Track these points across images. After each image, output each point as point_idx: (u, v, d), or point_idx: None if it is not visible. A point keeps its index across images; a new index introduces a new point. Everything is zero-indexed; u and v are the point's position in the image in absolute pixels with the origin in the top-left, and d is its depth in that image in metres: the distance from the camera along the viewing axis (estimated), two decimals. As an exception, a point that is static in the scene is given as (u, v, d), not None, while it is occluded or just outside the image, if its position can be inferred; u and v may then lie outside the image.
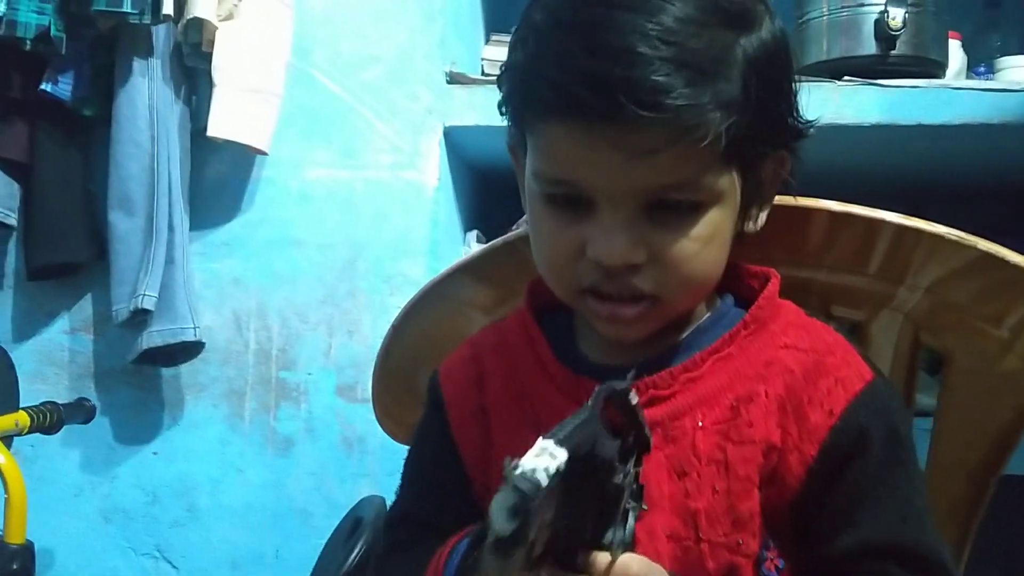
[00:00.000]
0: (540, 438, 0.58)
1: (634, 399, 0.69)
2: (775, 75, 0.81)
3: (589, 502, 0.65)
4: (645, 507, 0.71)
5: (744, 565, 0.82)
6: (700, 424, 0.82)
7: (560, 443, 0.58)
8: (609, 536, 0.67)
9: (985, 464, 0.99)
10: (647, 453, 0.71)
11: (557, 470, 0.57)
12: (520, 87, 0.81)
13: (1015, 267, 0.91)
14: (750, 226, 0.86)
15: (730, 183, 0.80)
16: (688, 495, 0.82)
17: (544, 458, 0.57)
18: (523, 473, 0.56)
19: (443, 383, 0.95)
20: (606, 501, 0.67)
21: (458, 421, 0.93)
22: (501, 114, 0.86)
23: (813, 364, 0.83)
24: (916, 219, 0.94)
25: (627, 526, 0.68)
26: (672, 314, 0.84)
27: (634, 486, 0.69)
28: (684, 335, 0.88)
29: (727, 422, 0.82)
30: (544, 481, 0.56)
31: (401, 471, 0.98)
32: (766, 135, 0.81)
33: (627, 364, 0.83)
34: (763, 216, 0.87)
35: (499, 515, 0.55)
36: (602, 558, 0.67)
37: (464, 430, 0.92)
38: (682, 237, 0.78)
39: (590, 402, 0.65)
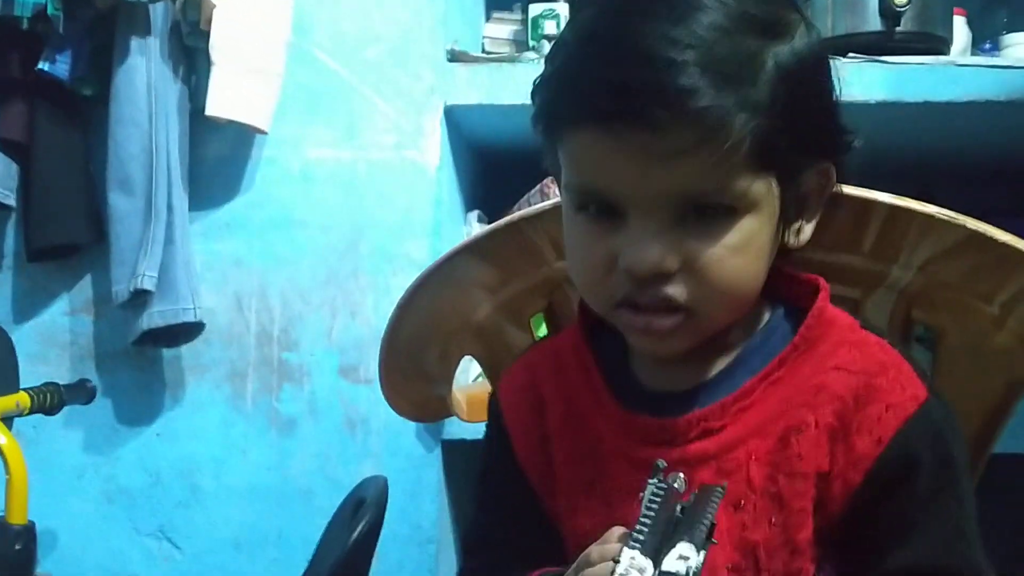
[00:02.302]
0: (624, 547, 0.63)
1: (682, 487, 0.71)
2: (809, 85, 0.80)
3: None
4: (715, 541, 0.69)
5: None
6: (753, 457, 0.82)
7: (645, 553, 0.63)
8: None
9: (977, 439, 0.98)
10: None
11: None
12: (547, 99, 0.81)
13: (1004, 245, 0.91)
14: (793, 239, 0.85)
15: (766, 191, 0.78)
16: (746, 527, 0.81)
17: (633, 574, 0.62)
18: None
19: (505, 410, 0.96)
20: None
21: (522, 449, 0.94)
22: (534, 131, 0.85)
23: (864, 387, 0.81)
24: (908, 199, 0.94)
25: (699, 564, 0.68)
26: (709, 328, 0.83)
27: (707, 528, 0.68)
28: (735, 353, 0.86)
29: (778, 452, 0.81)
30: None
31: (476, 491, 1.00)
32: (802, 144, 0.79)
33: (680, 391, 0.85)
34: (808, 229, 0.86)
35: None
36: None
37: (529, 457, 0.93)
38: (714, 244, 0.77)
39: (655, 496, 0.68)
